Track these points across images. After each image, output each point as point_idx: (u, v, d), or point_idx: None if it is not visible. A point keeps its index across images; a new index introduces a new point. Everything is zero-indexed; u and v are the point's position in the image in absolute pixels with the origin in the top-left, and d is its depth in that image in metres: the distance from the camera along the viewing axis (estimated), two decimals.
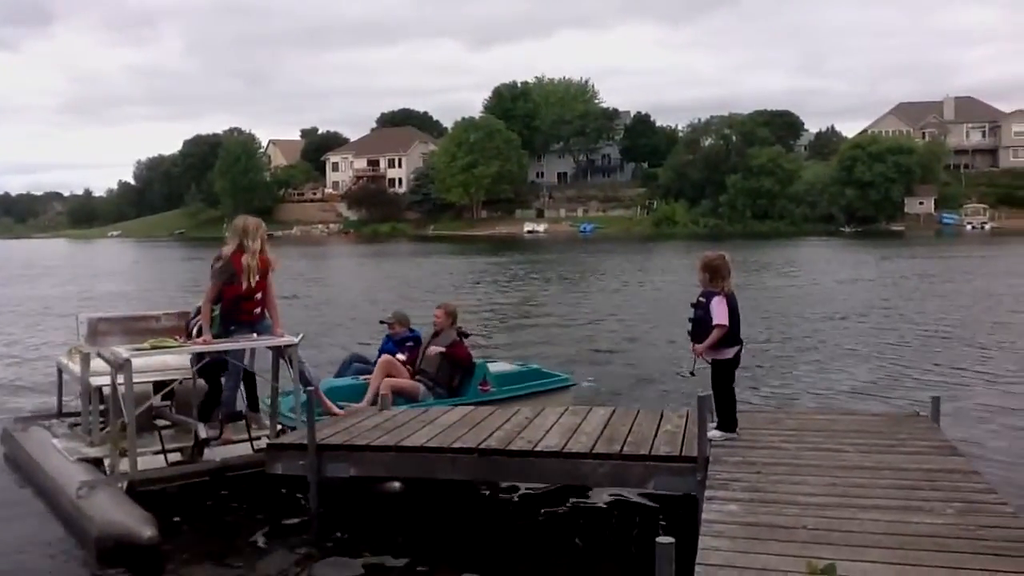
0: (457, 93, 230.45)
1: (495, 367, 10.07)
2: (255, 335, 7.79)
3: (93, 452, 7.67)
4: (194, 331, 7.78)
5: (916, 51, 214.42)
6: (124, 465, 7.10)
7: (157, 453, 7.36)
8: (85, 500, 6.74)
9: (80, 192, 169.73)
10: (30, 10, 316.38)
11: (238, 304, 7.74)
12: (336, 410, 8.47)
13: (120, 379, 7.05)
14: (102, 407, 7.98)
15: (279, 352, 7.91)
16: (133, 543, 6.27)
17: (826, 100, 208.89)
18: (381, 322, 10.22)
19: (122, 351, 7.12)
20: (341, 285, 34.56)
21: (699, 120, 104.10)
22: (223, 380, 7.99)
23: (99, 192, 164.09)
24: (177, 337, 7.80)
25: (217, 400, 8.01)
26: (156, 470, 7.29)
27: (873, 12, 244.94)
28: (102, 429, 7.91)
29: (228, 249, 7.74)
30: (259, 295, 7.84)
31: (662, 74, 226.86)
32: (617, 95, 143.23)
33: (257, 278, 7.73)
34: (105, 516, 6.50)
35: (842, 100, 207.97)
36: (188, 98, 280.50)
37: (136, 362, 7.19)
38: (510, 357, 12.92)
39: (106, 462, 7.33)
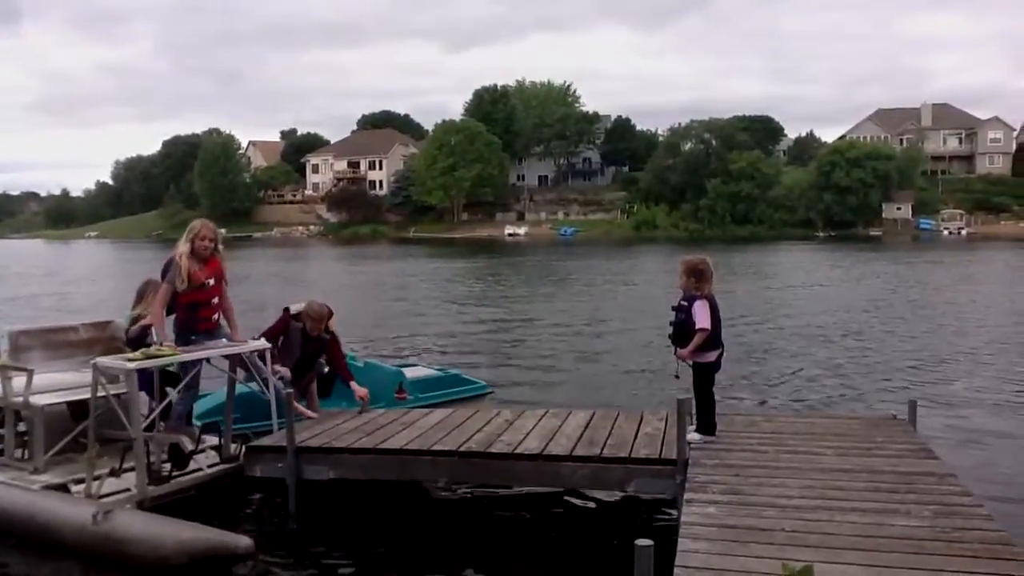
0: (432, 95, 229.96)
1: (411, 373, 9.94)
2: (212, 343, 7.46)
3: (45, 479, 7.00)
4: (152, 337, 7.38)
5: (888, 57, 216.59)
6: (108, 486, 6.73)
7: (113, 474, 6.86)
8: (111, 524, 6.20)
9: (58, 192, 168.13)
10: None
11: (195, 311, 7.44)
12: (309, 413, 8.41)
13: (117, 390, 6.82)
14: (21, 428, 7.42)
15: (235, 359, 7.64)
16: (230, 555, 6.00)
17: (800, 106, 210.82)
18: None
19: (115, 361, 6.79)
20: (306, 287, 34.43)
21: (679, 124, 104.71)
22: (167, 391, 7.54)
23: (77, 192, 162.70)
24: (168, 344, 7.28)
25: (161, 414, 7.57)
26: (163, 486, 6.91)
27: (843, 17, 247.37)
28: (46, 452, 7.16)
29: (180, 248, 7.43)
30: (215, 300, 7.55)
31: (635, 78, 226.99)
32: (591, 99, 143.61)
33: (209, 282, 7.43)
34: (171, 535, 6.04)
35: (816, 106, 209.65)
36: (160, 97, 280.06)
37: (54, 378, 7.01)
38: (461, 361, 12.81)
39: (74, 487, 6.83)
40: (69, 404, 7.36)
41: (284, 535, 6.97)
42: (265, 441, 7.54)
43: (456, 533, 7.08)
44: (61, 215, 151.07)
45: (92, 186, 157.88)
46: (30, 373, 7.15)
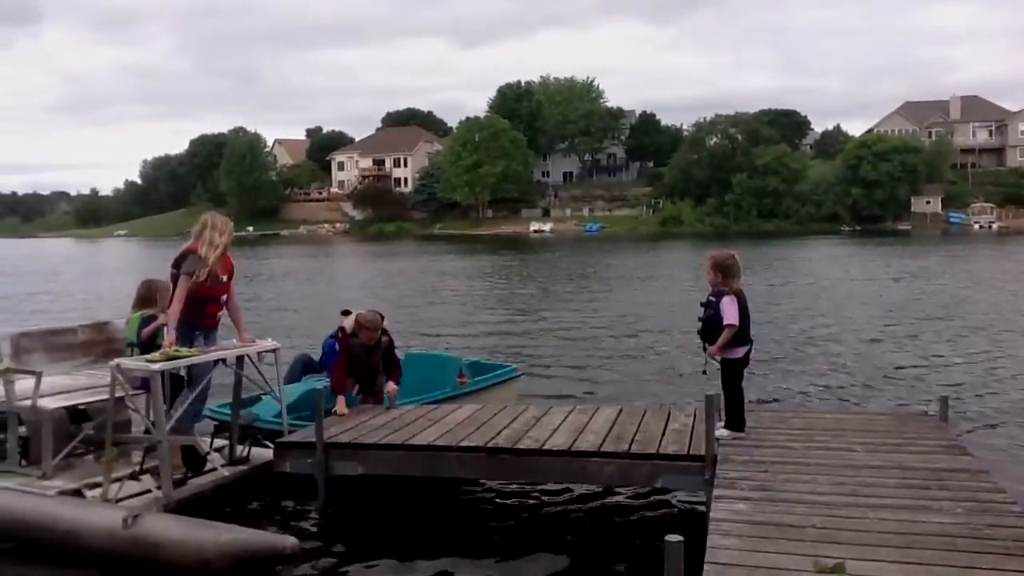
0: (444, 93, 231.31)
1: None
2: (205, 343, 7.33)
3: (56, 484, 6.81)
4: (165, 335, 7.10)
5: (906, 50, 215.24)
6: (127, 488, 6.70)
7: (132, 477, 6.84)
8: (142, 528, 6.05)
9: (87, 191, 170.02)
10: (18, 9, 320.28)
11: (203, 305, 7.29)
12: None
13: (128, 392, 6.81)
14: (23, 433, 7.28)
15: (242, 360, 7.58)
16: (275, 556, 5.93)
17: (817, 99, 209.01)
18: (341, 330, 9.04)
19: (138, 363, 6.70)
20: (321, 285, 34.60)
21: (704, 119, 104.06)
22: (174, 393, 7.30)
23: (105, 192, 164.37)
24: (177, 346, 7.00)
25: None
26: (185, 488, 6.87)
27: (856, 9, 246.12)
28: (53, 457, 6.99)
29: (193, 243, 7.32)
30: (224, 298, 7.47)
31: (647, 73, 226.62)
32: (605, 93, 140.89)
33: (224, 278, 7.37)
34: (211, 538, 5.92)
35: (834, 99, 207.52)
36: (180, 97, 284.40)
37: (56, 381, 6.99)
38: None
39: (90, 492, 6.70)
40: (68, 407, 7.24)
41: (310, 533, 7.01)
42: (294, 437, 7.59)
43: (483, 529, 7.09)
44: (90, 214, 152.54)
45: (121, 185, 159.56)
46: (38, 376, 6.98)
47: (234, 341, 7.66)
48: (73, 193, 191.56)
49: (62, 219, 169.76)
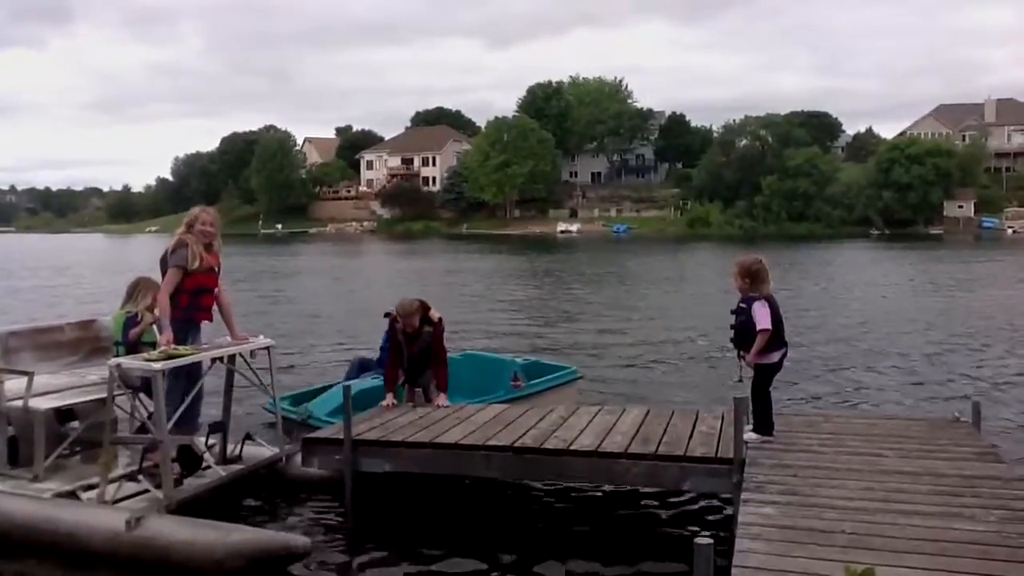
0: (476, 92, 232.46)
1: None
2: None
3: (51, 487, 6.71)
4: (158, 333, 6.99)
5: (939, 51, 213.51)
6: (121, 489, 6.62)
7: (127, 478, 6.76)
8: (147, 530, 6.00)
9: (119, 188, 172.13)
10: (50, 8, 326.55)
11: (198, 298, 7.16)
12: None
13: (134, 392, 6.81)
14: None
15: (233, 359, 7.45)
16: (287, 555, 5.90)
17: (850, 101, 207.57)
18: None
19: (139, 362, 6.55)
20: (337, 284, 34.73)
21: (734, 121, 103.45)
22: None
23: (138, 188, 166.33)
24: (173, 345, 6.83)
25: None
26: (191, 488, 6.80)
27: (888, 10, 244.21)
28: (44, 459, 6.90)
29: (180, 233, 7.18)
30: (216, 290, 7.37)
31: (678, 73, 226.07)
32: (635, 94, 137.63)
33: (216, 268, 7.27)
34: (219, 538, 5.86)
35: (866, 101, 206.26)
36: (212, 95, 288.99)
37: (45, 381, 6.98)
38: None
39: (85, 494, 6.59)
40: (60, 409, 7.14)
41: (321, 532, 7.03)
42: (322, 434, 7.63)
43: (509, 529, 7.09)
44: (122, 210, 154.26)
45: (152, 182, 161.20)
46: (31, 376, 6.90)
47: (227, 339, 7.50)
48: (106, 189, 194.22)
49: (95, 215, 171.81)
